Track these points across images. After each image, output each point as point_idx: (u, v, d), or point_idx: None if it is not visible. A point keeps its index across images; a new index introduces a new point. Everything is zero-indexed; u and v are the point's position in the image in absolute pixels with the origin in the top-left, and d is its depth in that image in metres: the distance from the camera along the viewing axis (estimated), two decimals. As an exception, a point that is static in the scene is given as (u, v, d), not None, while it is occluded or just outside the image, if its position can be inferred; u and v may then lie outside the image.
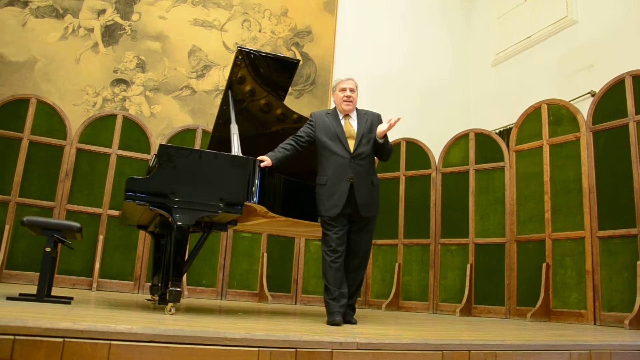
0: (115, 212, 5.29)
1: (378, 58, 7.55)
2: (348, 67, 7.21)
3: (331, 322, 2.87)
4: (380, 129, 3.14)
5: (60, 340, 1.59)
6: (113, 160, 5.52)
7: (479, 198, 5.66)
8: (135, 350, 1.66)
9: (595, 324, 4.42)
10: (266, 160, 3.02)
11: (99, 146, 5.50)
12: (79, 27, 6.27)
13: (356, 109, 3.28)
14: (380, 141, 3.14)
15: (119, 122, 5.62)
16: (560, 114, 5.15)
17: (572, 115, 5.04)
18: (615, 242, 4.46)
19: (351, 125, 3.19)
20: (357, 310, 3.36)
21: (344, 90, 3.20)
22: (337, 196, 3.05)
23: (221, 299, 5.54)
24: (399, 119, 3.09)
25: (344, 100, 3.19)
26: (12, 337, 1.55)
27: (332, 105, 3.40)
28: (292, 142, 3.18)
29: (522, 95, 6.52)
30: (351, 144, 3.13)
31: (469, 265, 5.51)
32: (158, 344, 1.70)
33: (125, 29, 6.47)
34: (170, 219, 2.83)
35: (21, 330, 1.57)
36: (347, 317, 3.12)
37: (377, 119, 3.26)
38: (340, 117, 3.23)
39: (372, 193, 3.16)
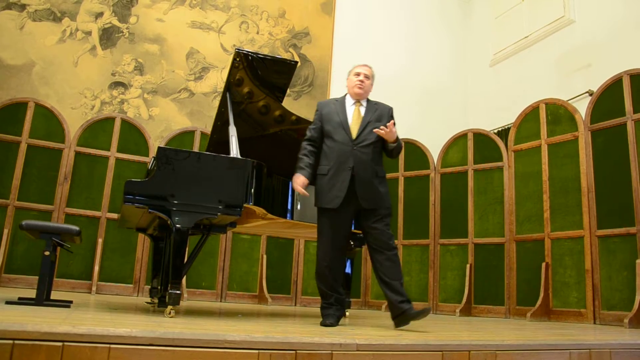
0: (114, 215, 5.28)
1: (376, 59, 7.46)
2: (346, 68, 7.17)
3: (326, 324, 2.82)
4: (387, 137, 2.94)
5: (60, 344, 1.59)
6: (112, 163, 5.51)
7: (477, 198, 5.66)
8: (135, 353, 1.66)
9: (595, 323, 4.43)
10: (303, 180, 2.92)
11: (98, 149, 5.50)
12: (77, 30, 6.27)
13: (368, 99, 3.16)
14: (391, 146, 3.00)
15: (117, 125, 5.62)
16: (558, 114, 5.15)
17: (570, 114, 5.04)
18: (614, 241, 4.47)
19: (359, 112, 3.06)
20: (355, 311, 3.35)
21: (358, 74, 3.09)
22: (339, 186, 2.87)
23: (221, 301, 5.53)
24: (392, 122, 2.94)
25: (356, 84, 3.07)
26: (11, 341, 1.55)
27: None
28: (310, 148, 3.04)
29: (520, 95, 6.53)
30: (354, 130, 2.98)
31: (468, 266, 5.51)
32: (158, 347, 1.69)
33: (123, 32, 6.47)
34: (169, 222, 2.83)
35: (20, 335, 1.56)
36: (408, 311, 2.76)
37: (387, 112, 3.11)
38: (351, 103, 3.11)
39: (376, 184, 2.93)
